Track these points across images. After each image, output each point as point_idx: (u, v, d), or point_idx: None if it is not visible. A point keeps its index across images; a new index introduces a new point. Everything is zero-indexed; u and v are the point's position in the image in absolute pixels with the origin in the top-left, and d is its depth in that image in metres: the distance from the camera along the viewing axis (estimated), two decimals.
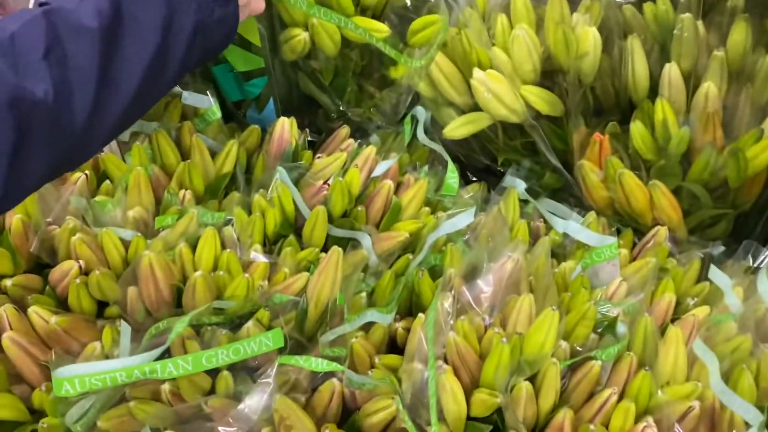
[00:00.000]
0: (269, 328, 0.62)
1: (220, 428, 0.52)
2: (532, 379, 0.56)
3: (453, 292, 0.62)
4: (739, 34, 0.77)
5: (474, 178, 0.94)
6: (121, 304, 0.65)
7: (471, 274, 0.67)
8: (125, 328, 0.58)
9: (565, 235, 0.79)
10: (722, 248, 0.79)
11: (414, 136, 0.88)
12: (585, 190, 0.80)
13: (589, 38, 0.79)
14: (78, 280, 0.64)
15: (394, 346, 0.67)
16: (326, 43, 0.79)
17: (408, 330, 0.65)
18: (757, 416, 0.53)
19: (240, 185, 0.79)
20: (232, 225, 0.72)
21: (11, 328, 0.61)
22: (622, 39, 0.81)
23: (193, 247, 0.68)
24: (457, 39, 0.82)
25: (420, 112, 0.87)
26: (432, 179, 0.82)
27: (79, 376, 0.51)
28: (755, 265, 0.75)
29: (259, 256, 0.68)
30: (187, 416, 0.58)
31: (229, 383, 0.58)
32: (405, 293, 0.69)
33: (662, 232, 0.76)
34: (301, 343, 0.62)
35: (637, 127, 0.79)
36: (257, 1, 0.71)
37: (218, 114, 0.83)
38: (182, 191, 0.76)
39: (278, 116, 0.80)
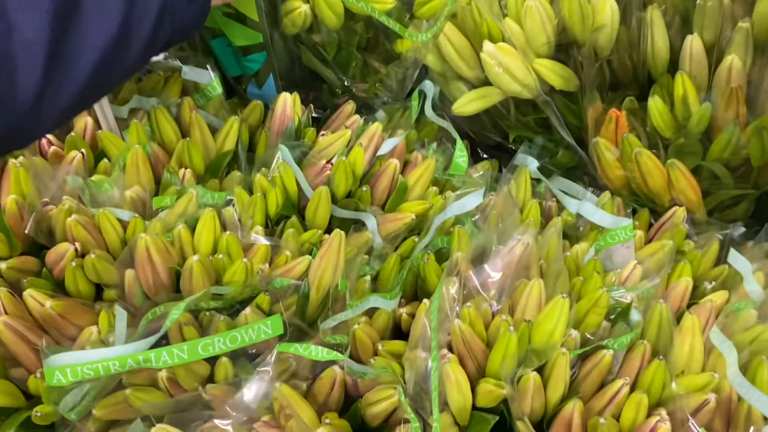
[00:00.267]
0: (270, 313, 0.60)
1: (216, 421, 0.50)
2: (540, 368, 0.54)
3: (459, 277, 0.60)
4: (766, 4, 0.73)
5: (485, 156, 0.91)
6: (119, 287, 0.63)
7: (479, 258, 0.65)
8: (121, 313, 0.57)
9: (579, 216, 0.76)
10: (743, 230, 0.76)
11: (422, 112, 0.85)
12: (600, 168, 0.77)
13: (606, 9, 0.75)
14: (74, 263, 0.62)
15: (399, 331, 0.65)
16: (328, 16, 0.76)
17: (413, 316, 0.63)
18: None
19: (242, 164, 0.77)
20: (233, 205, 0.70)
21: (6, 313, 0.59)
22: (641, 10, 0.77)
23: (193, 228, 0.66)
24: (467, 10, 0.78)
25: (428, 86, 0.84)
26: (440, 157, 0.79)
27: (71, 365, 0.49)
28: None
29: (260, 239, 0.66)
30: (185, 404, 0.56)
31: (229, 370, 0.57)
32: (410, 277, 0.66)
33: (680, 213, 0.73)
34: (302, 329, 0.60)
35: (655, 103, 0.75)
36: None
37: (219, 89, 0.80)
38: (182, 170, 0.73)
39: (279, 92, 0.77)
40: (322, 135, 0.78)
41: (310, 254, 0.65)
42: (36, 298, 0.60)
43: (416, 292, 0.67)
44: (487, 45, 0.76)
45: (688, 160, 0.74)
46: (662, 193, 0.74)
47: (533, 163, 0.79)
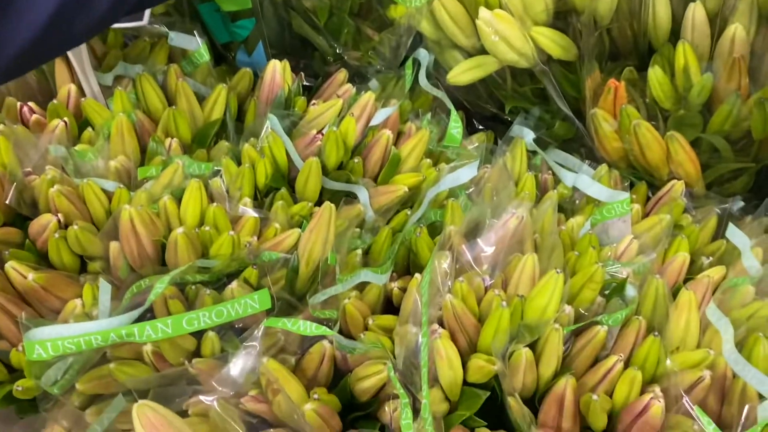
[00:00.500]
0: (258, 287, 0.59)
1: (201, 396, 0.49)
2: (533, 344, 0.53)
3: (452, 251, 0.59)
4: None
5: (480, 127, 0.89)
6: (103, 260, 0.62)
7: (473, 232, 0.63)
8: (104, 286, 0.55)
9: (575, 189, 0.75)
10: (741, 204, 0.75)
11: (416, 81, 0.82)
12: (597, 140, 0.75)
13: None
14: (57, 235, 0.61)
15: (390, 305, 0.64)
16: None
17: (404, 290, 0.61)
18: None
19: (230, 133, 0.75)
20: (221, 176, 0.68)
21: None
22: None
23: (179, 199, 0.64)
24: None
25: (422, 55, 0.81)
26: (435, 128, 0.77)
27: (52, 339, 0.48)
28: None
29: (248, 211, 0.65)
30: (170, 378, 0.55)
31: (216, 345, 0.56)
32: (402, 251, 0.65)
33: (678, 186, 0.72)
34: (291, 303, 0.59)
35: (655, 73, 0.73)
36: None
37: (207, 56, 0.78)
38: (168, 140, 0.71)
39: (269, 60, 0.75)
40: (313, 104, 0.76)
41: (300, 227, 0.63)
42: (18, 270, 0.59)
43: (408, 266, 0.66)
44: (484, 12, 0.73)
45: (687, 132, 0.72)
46: (660, 166, 0.72)
47: (529, 135, 0.78)
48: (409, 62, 0.82)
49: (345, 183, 0.69)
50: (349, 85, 0.79)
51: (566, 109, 0.75)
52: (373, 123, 0.74)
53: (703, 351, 0.54)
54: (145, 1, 0.59)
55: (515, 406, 0.51)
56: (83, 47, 0.71)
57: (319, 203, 0.68)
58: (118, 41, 0.80)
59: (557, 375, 0.53)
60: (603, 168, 0.74)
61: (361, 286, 0.62)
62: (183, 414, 0.51)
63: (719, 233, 0.71)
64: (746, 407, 0.49)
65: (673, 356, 0.54)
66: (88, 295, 0.58)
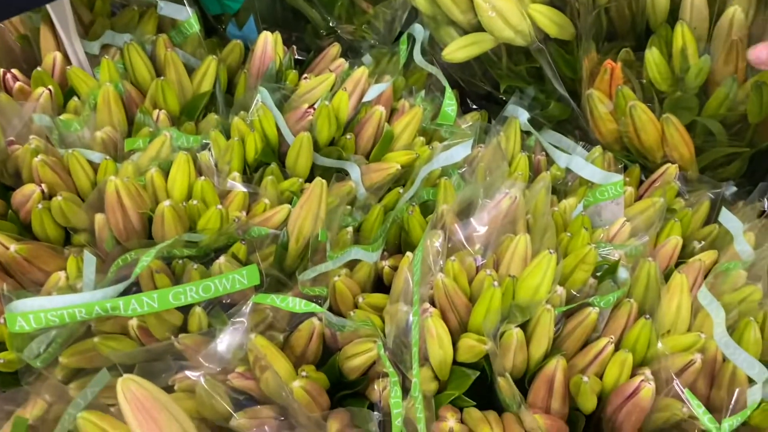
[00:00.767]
0: (246, 262, 0.58)
1: (187, 372, 0.48)
2: (524, 325, 0.52)
3: (444, 230, 0.58)
4: None
5: (474, 106, 0.88)
6: (89, 231, 0.60)
7: (465, 211, 0.63)
8: (89, 259, 0.54)
9: (568, 171, 0.74)
10: (734, 189, 0.74)
11: (410, 57, 0.81)
12: (592, 121, 0.74)
13: None
14: (40, 206, 0.59)
15: (380, 284, 0.63)
16: None
17: (395, 269, 0.61)
18: (762, 372, 0.49)
19: (219, 106, 0.73)
20: (209, 150, 0.67)
21: None
22: None
23: (166, 172, 0.62)
24: None
25: (418, 30, 0.80)
26: (429, 106, 0.76)
27: (35, 311, 0.47)
28: None
29: (237, 185, 0.63)
30: (156, 353, 0.54)
31: (203, 320, 0.55)
32: (394, 229, 0.64)
33: (672, 170, 0.71)
34: (280, 279, 0.58)
35: (652, 55, 0.72)
36: None
37: (196, 27, 0.76)
38: (156, 111, 0.70)
39: (260, 33, 0.73)
40: (305, 78, 0.74)
41: (290, 203, 0.62)
42: (0, 241, 0.57)
43: (399, 244, 0.65)
44: None
45: (683, 115, 0.72)
46: (655, 149, 0.72)
47: (524, 115, 0.77)
48: (404, 37, 0.80)
49: (336, 159, 0.68)
50: (341, 60, 0.77)
51: (562, 89, 0.74)
52: (366, 99, 0.72)
53: (694, 334, 0.54)
54: None
55: (505, 386, 0.51)
56: (69, 13, 0.69)
57: (309, 179, 0.67)
58: (106, 9, 0.78)
59: (547, 356, 0.53)
60: (597, 150, 0.73)
61: (351, 264, 0.61)
62: (169, 389, 0.51)
63: (712, 218, 0.71)
64: (736, 391, 0.49)
65: (663, 339, 0.54)
66: (73, 268, 0.57)
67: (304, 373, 0.51)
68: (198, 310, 0.55)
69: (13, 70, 0.69)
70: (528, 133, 0.78)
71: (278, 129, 0.68)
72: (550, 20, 0.72)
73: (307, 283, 0.56)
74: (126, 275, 0.54)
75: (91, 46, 0.74)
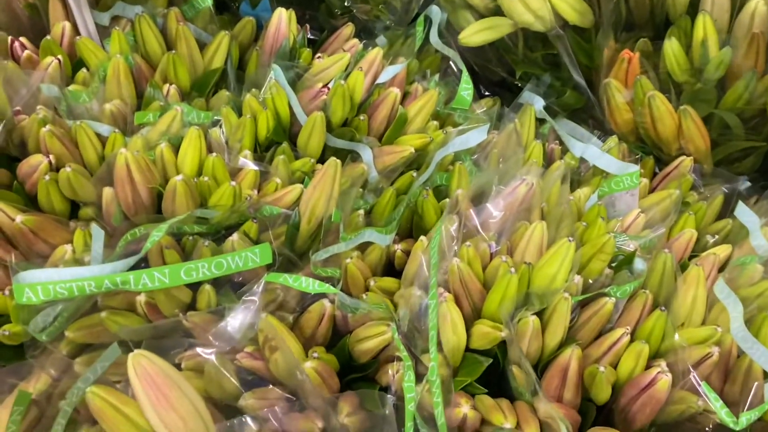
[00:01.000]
0: (257, 241, 0.57)
1: (198, 349, 0.47)
2: (539, 313, 0.52)
3: (459, 215, 0.57)
4: None
5: (487, 93, 0.87)
6: (96, 205, 0.59)
7: (478, 198, 0.62)
8: (97, 232, 0.53)
9: (582, 160, 0.73)
10: (748, 184, 0.74)
11: (426, 40, 0.79)
12: (608, 111, 0.73)
13: None
14: (47, 177, 0.58)
15: (391, 268, 0.62)
16: None
17: (407, 253, 0.60)
18: None
19: (230, 83, 0.72)
20: (220, 127, 0.66)
21: None
22: None
23: (176, 148, 0.61)
24: None
25: (435, 12, 0.78)
26: (443, 90, 0.74)
27: (43, 283, 0.46)
28: None
29: (248, 163, 0.62)
30: (164, 330, 0.53)
31: (212, 298, 0.54)
32: (406, 214, 0.63)
33: (687, 162, 0.70)
34: (291, 259, 0.57)
35: (671, 45, 0.71)
36: None
37: (209, 1, 0.74)
38: (166, 85, 0.68)
39: (274, 11, 0.72)
40: (318, 57, 0.73)
41: (302, 183, 0.61)
42: (6, 212, 0.56)
43: (411, 229, 0.64)
44: None
45: (700, 107, 0.71)
46: (671, 141, 0.71)
47: (539, 103, 0.76)
48: (421, 19, 0.79)
49: (349, 141, 0.67)
50: (355, 41, 0.76)
51: (579, 77, 0.73)
52: (379, 81, 0.71)
53: (711, 328, 0.53)
54: None
55: (519, 374, 0.50)
56: None
57: (320, 161, 0.66)
58: None
59: (562, 345, 0.52)
60: (613, 140, 0.72)
61: (363, 247, 0.60)
62: (176, 368, 0.50)
63: (725, 212, 0.70)
64: (755, 385, 0.48)
65: (678, 332, 0.53)
66: (80, 241, 0.56)
67: (315, 354, 0.50)
68: (207, 287, 0.53)
69: (21, 39, 0.67)
70: (541, 122, 0.77)
71: (290, 108, 0.67)
72: (570, 6, 0.71)
73: (319, 264, 0.55)
74: (134, 250, 0.53)
75: (101, 17, 0.72)
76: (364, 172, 0.65)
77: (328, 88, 0.67)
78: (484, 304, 0.54)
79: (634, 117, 0.72)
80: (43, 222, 0.57)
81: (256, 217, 0.57)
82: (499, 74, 0.83)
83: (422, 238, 0.57)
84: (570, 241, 0.52)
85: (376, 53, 0.71)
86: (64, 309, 0.50)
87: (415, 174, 0.65)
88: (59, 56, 0.65)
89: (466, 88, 0.73)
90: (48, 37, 0.67)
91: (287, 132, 0.68)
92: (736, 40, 0.70)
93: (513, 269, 0.51)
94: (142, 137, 0.62)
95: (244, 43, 0.77)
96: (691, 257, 0.64)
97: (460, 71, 0.77)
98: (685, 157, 0.71)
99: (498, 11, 0.75)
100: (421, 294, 0.53)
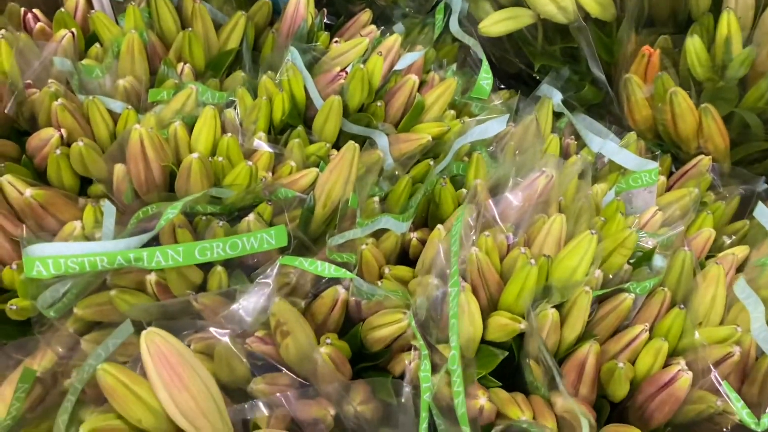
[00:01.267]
0: (271, 224, 0.55)
1: (213, 329, 0.46)
2: (557, 306, 0.51)
3: (477, 205, 0.56)
4: None
5: (502, 86, 0.86)
6: (106, 182, 0.58)
7: (494, 189, 0.61)
8: (109, 209, 0.52)
9: (598, 156, 0.72)
10: (765, 186, 0.73)
11: (444, 29, 0.78)
12: (627, 107, 0.72)
13: None
14: (58, 151, 0.57)
15: (404, 257, 0.61)
16: None
17: (422, 242, 0.59)
18: None
19: (246, 65, 0.71)
20: (235, 108, 0.64)
21: None
22: None
23: (189, 127, 0.60)
24: None
25: (455, 1, 0.77)
26: (460, 80, 0.73)
27: (54, 257, 0.45)
28: None
29: (263, 145, 0.61)
30: (173, 311, 0.52)
31: (223, 280, 0.52)
32: (421, 202, 0.62)
33: (705, 161, 0.69)
34: (304, 243, 0.56)
35: (693, 42, 0.70)
36: None
37: None
38: (180, 64, 0.67)
39: None
40: (335, 42, 0.72)
41: (317, 167, 0.60)
42: (14, 185, 0.55)
43: (426, 218, 0.63)
44: None
45: (721, 106, 0.70)
46: (690, 139, 0.70)
47: (557, 96, 0.75)
48: (441, 7, 0.78)
49: (365, 127, 0.66)
50: (373, 27, 0.75)
51: (599, 71, 0.72)
52: (397, 68, 0.70)
53: (730, 327, 0.52)
54: None
55: (536, 368, 0.49)
56: None
57: (335, 146, 0.65)
58: None
59: (580, 340, 0.51)
60: (632, 136, 0.71)
61: (377, 235, 0.59)
62: None
63: (743, 213, 0.69)
64: None
65: (697, 331, 0.52)
66: (90, 218, 0.54)
67: (328, 341, 0.49)
68: (219, 269, 0.52)
69: (35, 10, 0.66)
70: (558, 115, 0.76)
71: (306, 91, 0.66)
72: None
73: (334, 249, 0.54)
74: (146, 228, 0.52)
75: None
76: (380, 158, 0.64)
77: (346, 73, 0.65)
78: (501, 295, 0.53)
79: (654, 114, 0.71)
80: (52, 197, 0.55)
81: (271, 199, 0.56)
82: (515, 67, 0.82)
83: (439, 226, 0.55)
84: (592, 233, 0.51)
85: (394, 39, 0.70)
86: (73, 285, 0.49)
87: (431, 162, 0.64)
88: (73, 29, 0.64)
89: (485, 77, 0.71)
90: (62, 9, 0.66)
91: (302, 115, 0.67)
92: (759, 38, 0.69)
93: (533, 261, 0.50)
94: (156, 115, 0.61)
95: (260, 25, 0.76)
96: (708, 257, 0.63)
97: (478, 62, 0.76)
98: (703, 155, 0.70)
99: (517, 2, 0.73)
100: (438, 283, 0.51)
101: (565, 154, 0.74)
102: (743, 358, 0.52)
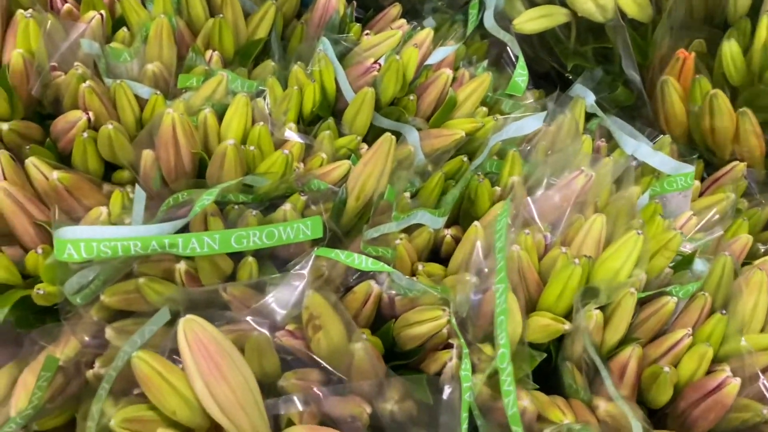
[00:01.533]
0: (302, 216, 0.54)
1: (249, 318, 0.44)
2: (601, 307, 0.49)
3: (516, 202, 0.54)
4: None
5: (528, 87, 0.85)
6: (134, 168, 0.56)
7: (528, 188, 0.59)
8: (139, 194, 0.50)
9: (630, 159, 0.71)
10: None
11: (476, 26, 0.77)
12: (662, 110, 0.71)
13: None
14: (86, 134, 0.55)
15: (435, 255, 0.59)
16: None
17: (456, 240, 0.57)
18: None
19: (274, 54, 0.69)
20: (264, 98, 0.63)
21: (5, 178, 0.52)
22: None
23: (219, 115, 0.58)
24: None
25: None
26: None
27: (86, 240, 0.43)
28: None
29: (293, 135, 0.59)
30: (199, 301, 0.50)
31: (254, 271, 0.51)
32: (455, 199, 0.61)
33: (741, 167, 0.68)
34: (336, 235, 0.54)
35: (730, 47, 0.69)
36: None
37: None
38: (209, 51, 0.66)
39: None
40: (366, 34, 0.70)
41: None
42: (40, 168, 0.53)
43: (457, 215, 0.62)
44: None
45: (757, 112, 0.69)
46: (726, 144, 0.69)
47: (591, 97, 0.73)
48: (475, 2, 0.76)
49: (395, 121, 0.64)
50: (403, 21, 0.74)
51: (635, 72, 0.71)
52: (428, 62, 0.69)
53: None
54: None
55: (576, 370, 0.48)
56: None
57: (364, 140, 0.63)
58: None
59: (622, 343, 0.50)
60: (666, 139, 0.70)
61: (408, 230, 0.57)
62: None
63: None
64: None
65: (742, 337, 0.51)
66: (117, 203, 0.53)
67: (363, 336, 0.47)
68: (250, 260, 0.51)
69: None
70: (591, 116, 0.74)
71: (336, 83, 0.64)
72: None
73: (368, 243, 0.52)
74: (175, 216, 0.50)
75: None
76: (411, 153, 0.62)
77: (379, 65, 0.64)
78: (539, 296, 0.51)
79: (688, 117, 0.70)
80: (78, 181, 0.54)
81: (304, 190, 0.54)
82: (544, 67, 0.80)
83: (476, 223, 0.54)
84: (639, 234, 0.49)
85: (426, 33, 0.69)
86: (101, 272, 0.48)
87: (465, 158, 0.62)
88: (102, 11, 0.62)
89: (521, 74, 0.70)
90: None
91: (331, 107, 0.65)
92: None
93: (577, 260, 0.49)
94: (184, 101, 0.60)
95: (287, 16, 0.75)
96: (742, 264, 0.61)
97: (508, 61, 0.74)
98: (737, 162, 0.69)
99: (552, 0, 0.72)
100: (476, 281, 0.50)
101: (594, 157, 0.72)
102: None
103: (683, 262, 0.55)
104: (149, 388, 0.38)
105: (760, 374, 0.46)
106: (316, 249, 0.49)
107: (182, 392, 0.39)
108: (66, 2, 0.64)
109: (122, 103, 0.59)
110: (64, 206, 0.54)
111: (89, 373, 0.48)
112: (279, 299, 0.48)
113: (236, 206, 0.52)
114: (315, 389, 0.46)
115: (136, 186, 0.51)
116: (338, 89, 0.65)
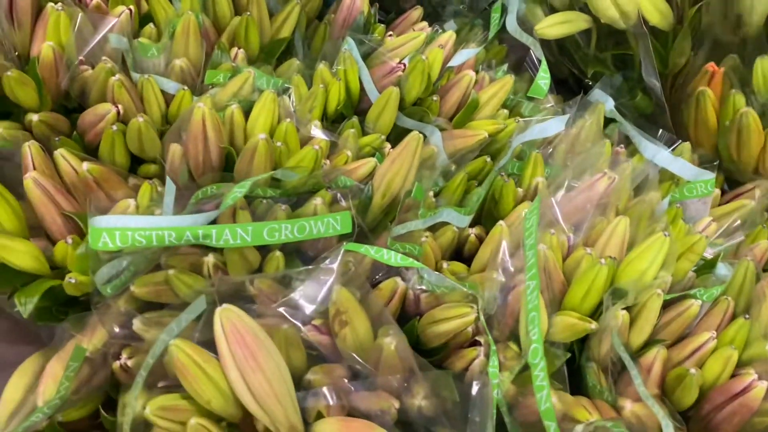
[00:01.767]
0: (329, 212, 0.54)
1: (282, 309, 0.45)
2: (627, 308, 0.49)
3: (542, 202, 0.55)
4: None
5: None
6: (160, 163, 0.57)
7: (551, 190, 0.60)
8: (170, 186, 0.51)
9: (650, 165, 0.71)
10: None
11: (498, 29, 0.78)
12: (692, 122, 0.71)
13: None
14: (114, 127, 0.56)
15: (458, 254, 0.60)
16: None
17: (480, 239, 0.57)
18: None
19: (298, 53, 0.70)
20: (289, 95, 0.63)
21: (35, 169, 0.52)
22: None
23: (246, 112, 0.59)
24: None
25: (512, 1, 0.77)
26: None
27: (122, 228, 0.43)
28: None
29: (319, 133, 0.60)
30: (226, 293, 0.50)
31: (281, 265, 0.51)
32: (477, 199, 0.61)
33: (765, 185, 0.68)
34: (364, 232, 0.55)
35: (762, 64, 0.69)
36: None
37: None
38: (234, 49, 0.66)
39: None
40: (389, 35, 0.71)
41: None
42: (68, 160, 0.54)
43: (480, 215, 0.62)
44: None
45: None
46: (751, 162, 0.69)
47: (610, 103, 0.74)
48: (497, 5, 0.77)
49: (418, 122, 0.65)
50: (424, 23, 0.74)
51: (656, 80, 0.71)
52: (451, 64, 0.69)
53: None
54: None
55: (600, 371, 0.48)
56: None
57: (387, 139, 0.64)
58: None
59: (647, 344, 0.50)
60: (685, 146, 0.70)
61: (433, 229, 0.58)
62: None
63: None
64: None
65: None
66: (145, 195, 0.53)
67: (392, 331, 0.48)
68: (278, 254, 0.51)
69: None
70: (610, 121, 0.75)
71: (361, 83, 0.65)
72: (654, 6, 0.69)
73: (394, 240, 0.53)
74: (203, 209, 0.50)
75: None
76: (434, 153, 0.63)
77: (404, 65, 0.64)
78: (564, 295, 0.51)
79: (718, 132, 0.70)
80: (107, 173, 0.54)
81: (331, 186, 0.55)
82: (563, 73, 0.81)
83: (501, 222, 0.54)
84: (666, 235, 0.50)
85: (449, 36, 0.69)
86: (131, 263, 0.48)
87: (488, 159, 0.63)
88: (131, 6, 0.63)
89: (543, 77, 0.71)
90: None
91: (355, 106, 0.66)
92: None
93: (603, 260, 0.49)
94: (211, 97, 0.60)
95: (310, 16, 0.75)
96: (763, 271, 0.62)
97: (530, 65, 0.75)
98: (762, 181, 0.69)
99: (571, 6, 0.73)
100: (503, 279, 0.50)
101: (612, 162, 0.73)
102: None
103: (706, 266, 0.56)
104: (185, 377, 0.39)
105: None
106: (345, 244, 0.49)
107: (217, 382, 0.39)
108: None
109: (149, 97, 0.60)
110: (93, 198, 0.54)
111: (115, 364, 0.48)
112: (306, 294, 0.49)
113: (265, 200, 0.53)
114: (343, 384, 0.46)
115: (167, 178, 0.51)
116: (362, 88, 0.66)
